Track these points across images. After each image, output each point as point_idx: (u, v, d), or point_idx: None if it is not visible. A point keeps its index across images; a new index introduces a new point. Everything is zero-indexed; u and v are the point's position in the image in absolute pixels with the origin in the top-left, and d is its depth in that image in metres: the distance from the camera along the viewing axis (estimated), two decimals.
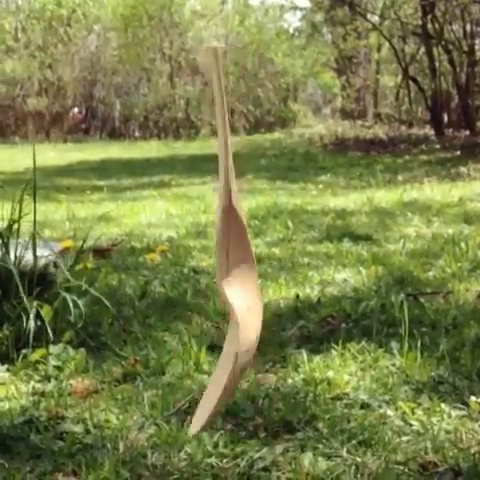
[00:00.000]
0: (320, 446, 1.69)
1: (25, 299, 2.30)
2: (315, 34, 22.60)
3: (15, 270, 2.34)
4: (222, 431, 1.75)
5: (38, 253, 2.45)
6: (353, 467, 1.59)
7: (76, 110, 19.72)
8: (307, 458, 1.62)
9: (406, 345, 2.22)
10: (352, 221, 4.80)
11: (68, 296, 2.38)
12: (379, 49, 20.21)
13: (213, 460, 1.64)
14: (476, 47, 15.08)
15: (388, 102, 20.57)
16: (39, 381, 2.11)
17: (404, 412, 1.85)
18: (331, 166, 9.30)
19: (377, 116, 19.28)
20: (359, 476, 1.56)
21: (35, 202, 2.48)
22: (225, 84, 1.23)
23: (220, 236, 1.14)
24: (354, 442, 1.70)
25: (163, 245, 4.01)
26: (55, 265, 2.54)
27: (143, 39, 20.04)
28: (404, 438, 1.72)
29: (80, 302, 2.41)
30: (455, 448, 1.66)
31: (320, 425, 1.78)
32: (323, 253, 3.78)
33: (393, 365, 2.16)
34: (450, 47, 14.54)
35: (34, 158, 2.49)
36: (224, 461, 1.64)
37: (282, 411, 1.85)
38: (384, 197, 6.01)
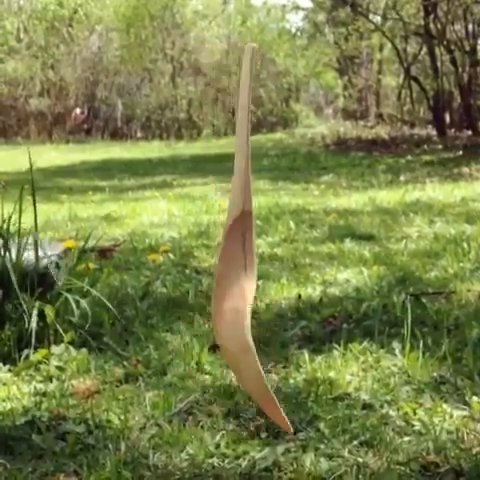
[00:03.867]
0: (322, 446, 1.69)
1: (27, 300, 2.30)
2: (317, 34, 22.61)
3: (13, 270, 2.34)
4: (224, 431, 1.75)
5: (40, 253, 2.45)
6: (355, 467, 1.59)
7: (78, 110, 19.73)
8: (309, 458, 1.62)
9: (408, 345, 2.21)
10: (354, 221, 4.80)
11: (70, 296, 2.38)
12: (381, 49, 20.20)
13: (215, 460, 1.64)
14: (478, 47, 15.05)
15: (390, 102, 20.57)
16: (41, 381, 2.11)
17: (406, 412, 1.85)
18: (333, 166, 9.30)
19: (379, 116, 19.28)
20: (360, 476, 1.56)
21: (35, 202, 2.48)
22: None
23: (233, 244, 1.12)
24: (356, 442, 1.70)
25: (165, 245, 4.01)
26: (57, 265, 2.54)
27: (145, 39, 20.06)
28: (406, 438, 1.72)
29: (82, 302, 2.41)
30: (457, 448, 1.66)
31: (322, 425, 1.78)
32: (325, 253, 3.78)
33: (395, 365, 2.16)
34: (452, 47, 14.52)
35: (30, 158, 2.49)
36: (226, 461, 1.64)
37: (284, 411, 1.84)
38: (386, 197, 6.00)
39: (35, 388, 2.06)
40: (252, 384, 1.38)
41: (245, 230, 1.11)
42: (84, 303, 2.41)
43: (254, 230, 1.12)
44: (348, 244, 3.98)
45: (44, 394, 2.02)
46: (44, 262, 2.47)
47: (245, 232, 1.11)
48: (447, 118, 15.87)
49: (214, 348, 2.28)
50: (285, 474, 1.59)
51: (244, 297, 1.18)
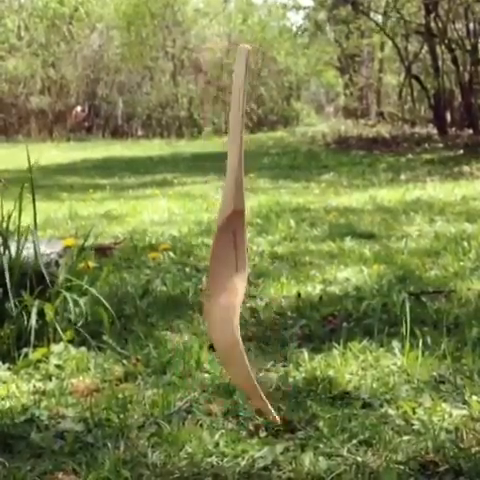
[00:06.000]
0: (321, 445, 1.69)
1: (26, 298, 2.30)
2: (318, 33, 22.58)
3: (12, 268, 2.34)
4: (223, 430, 1.75)
5: (40, 250, 2.45)
6: (354, 466, 1.59)
7: (79, 108, 19.72)
8: (308, 457, 1.62)
9: (407, 344, 2.21)
10: (355, 220, 4.79)
11: (68, 295, 2.38)
12: (382, 48, 20.18)
13: (214, 459, 1.64)
14: (479, 46, 15.04)
15: (391, 101, 20.58)
16: (40, 380, 2.11)
17: (405, 411, 1.85)
18: (334, 165, 9.29)
19: (380, 115, 19.28)
20: (360, 475, 1.56)
21: (34, 200, 2.48)
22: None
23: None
24: (355, 441, 1.70)
25: (165, 244, 4.01)
26: (57, 264, 2.54)
27: (146, 37, 20.05)
28: (405, 437, 1.72)
29: (81, 301, 2.41)
30: (456, 448, 1.66)
31: (321, 424, 1.78)
32: (325, 252, 3.78)
33: (394, 364, 2.16)
34: (453, 46, 14.52)
35: (28, 156, 2.49)
36: (225, 460, 1.63)
37: (283, 410, 1.84)
38: (387, 196, 6.00)
39: (34, 386, 2.06)
40: (240, 378, 1.44)
41: (236, 229, 1.11)
42: (84, 301, 2.41)
43: (245, 229, 1.14)
44: (348, 243, 3.97)
45: (43, 392, 2.02)
46: (44, 260, 2.47)
47: (236, 231, 1.12)
48: (448, 117, 15.86)
49: (214, 347, 2.28)
50: (284, 473, 1.58)
51: (235, 294, 1.20)
